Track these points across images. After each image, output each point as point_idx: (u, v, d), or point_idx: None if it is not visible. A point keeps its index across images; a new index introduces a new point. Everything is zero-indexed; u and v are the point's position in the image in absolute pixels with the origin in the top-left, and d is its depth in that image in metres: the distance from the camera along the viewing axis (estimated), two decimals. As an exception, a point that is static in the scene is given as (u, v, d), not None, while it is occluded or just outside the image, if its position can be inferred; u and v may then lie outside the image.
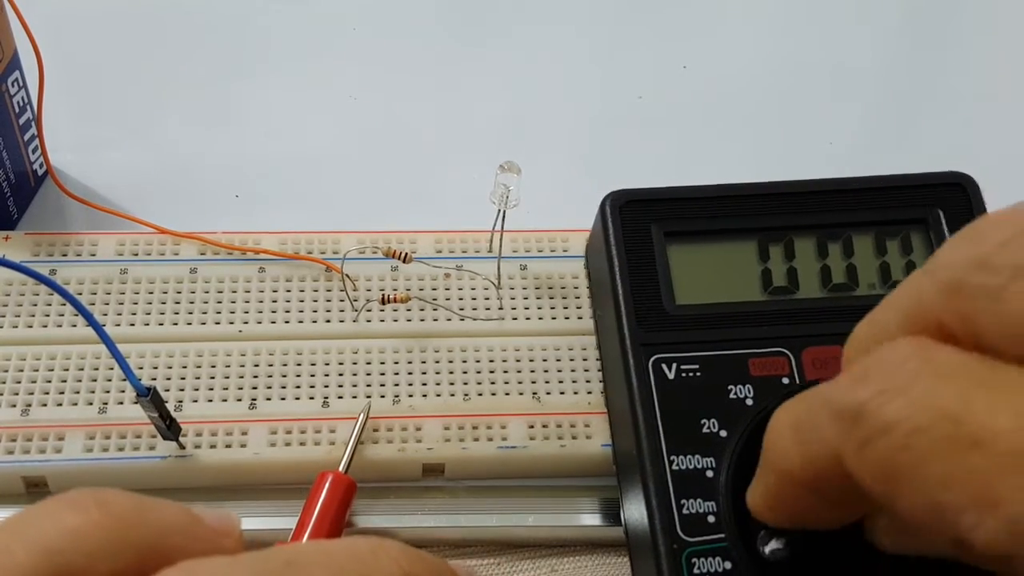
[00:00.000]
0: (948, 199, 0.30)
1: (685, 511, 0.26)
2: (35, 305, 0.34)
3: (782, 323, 0.28)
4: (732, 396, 0.27)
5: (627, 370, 0.28)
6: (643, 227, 0.30)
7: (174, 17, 0.47)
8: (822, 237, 0.30)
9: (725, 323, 0.28)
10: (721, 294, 0.29)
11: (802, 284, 0.29)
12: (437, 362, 0.33)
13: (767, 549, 0.25)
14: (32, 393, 0.32)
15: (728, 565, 0.25)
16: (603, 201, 0.30)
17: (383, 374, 0.33)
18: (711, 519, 0.26)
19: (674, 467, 0.26)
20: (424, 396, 0.32)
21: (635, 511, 0.27)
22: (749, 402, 0.27)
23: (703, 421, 0.27)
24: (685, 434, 0.27)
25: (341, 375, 0.33)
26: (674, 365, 0.28)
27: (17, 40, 0.36)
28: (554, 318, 0.34)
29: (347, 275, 0.35)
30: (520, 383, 0.33)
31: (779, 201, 0.30)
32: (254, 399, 0.32)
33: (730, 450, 0.26)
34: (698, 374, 0.28)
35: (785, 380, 0.28)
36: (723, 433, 0.27)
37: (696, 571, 0.25)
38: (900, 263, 0.30)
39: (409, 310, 0.34)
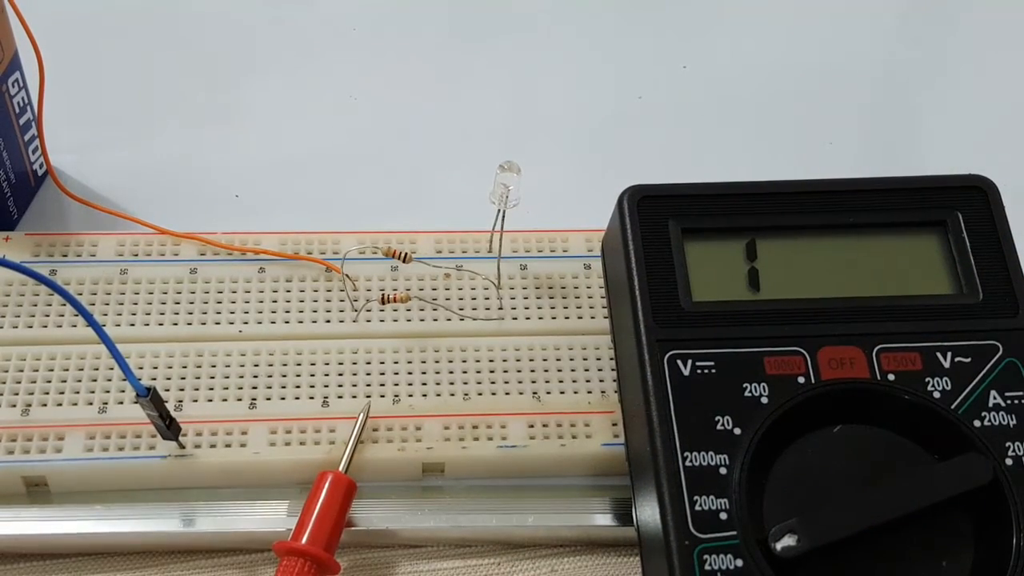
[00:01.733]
0: (968, 202, 0.30)
1: (698, 507, 0.26)
2: (35, 305, 0.34)
3: (798, 322, 0.28)
4: (747, 394, 0.27)
5: (642, 366, 0.28)
6: (660, 223, 0.30)
7: (174, 17, 0.47)
8: (840, 236, 0.30)
9: (741, 321, 0.28)
10: (737, 292, 0.29)
11: (820, 283, 0.29)
12: (437, 362, 0.33)
13: (779, 546, 0.25)
14: (32, 393, 0.32)
15: (740, 563, 0.25)
16: (621, 196, 0.30)
17: (383, 374, 0.33)
18: (723, 516, 0.26)
19: (687, 463, 0.26)
20: (424, 396, 0.32)
21: (647, 508, 0.27)
22: (764, 400, 0.27)
23: (717, 418, 0.27)
24: (699, 431, 0.27)
25: (341, 375, 0.33)
26: (689, 362, 0.28)
27: (17, 40, 0.36)
28: (554, 318, 0.34)
29: (347, 275, 0.35)
30: (520, 383, 0.33)
31: (798, 199, 0.30)
32: (254, 399, 0.32)
33: (744, 448, 0.26)
34: (713, 371, 0.27)
35: (801, 379, 0.27)
36: (737, 431, 0.27)
37: (708, 568, 0.25)
38: (918, 264, 0.30)
39: (409, 310, 0.34)
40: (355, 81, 0.45)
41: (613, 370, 0.33)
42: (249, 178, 0.41)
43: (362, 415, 0.31)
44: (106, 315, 0.34)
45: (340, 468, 0.30)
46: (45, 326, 0.33)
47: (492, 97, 0.45)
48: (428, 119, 0.44)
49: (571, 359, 0.33)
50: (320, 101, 0.44)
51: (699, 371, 0.28)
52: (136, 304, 0.34)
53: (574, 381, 0.33)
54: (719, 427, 0.27)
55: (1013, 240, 0.29)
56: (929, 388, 0.27)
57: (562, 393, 0.33)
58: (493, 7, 0.49)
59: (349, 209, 0.39)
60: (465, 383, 0.33)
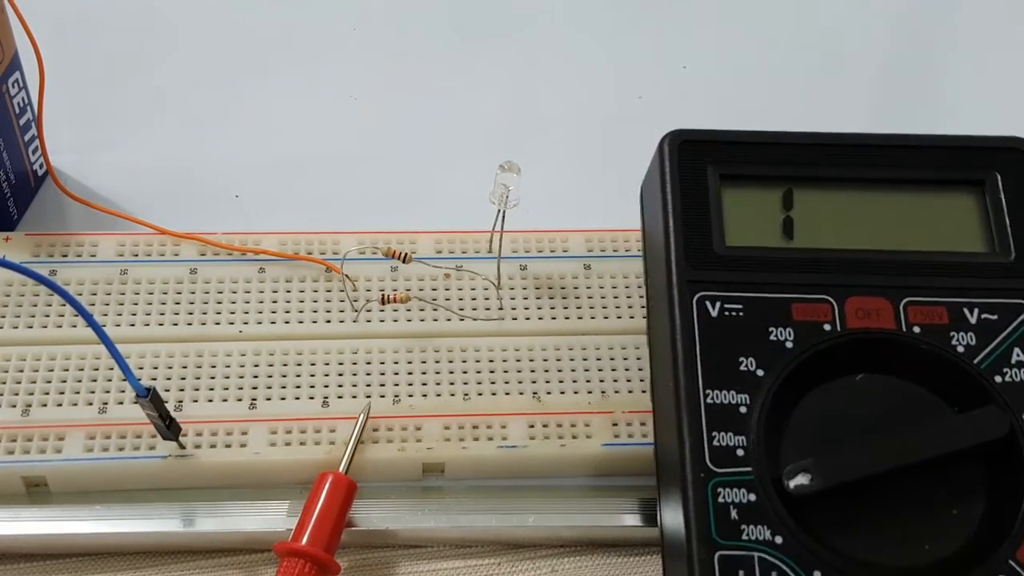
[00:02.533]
0: (1007, 163, 0.30)
1: (716, 443, 0.26)
2: (35, 306, 0.34)
3: (828, 271, 0.29)
4: (772, 338, 0.28)
5: (671, 304, 0.28)
6: (699, 168, 0.30)
7: (174, 17, 0.47)
8: (877, 190, 0.30)
9: (772, 267, 0.29)
10: (770, 238, 0.29)
11: (853, 235, 0.30)
12: (437, 362, 0.33)
13: (792, 484, 0.26)
14: (32, 393, 0.32)
15: (752, 497, 0.25)
16: (661, 141, 0.31)
17: (383, 374, 0.33)
18: (740, 452, 0.26)
19: (708, 400, 0.27)
20: (424, 396, 0.32)
21: (667, 441, 0.28)
22: (789, 345, 0.27)
23: (741, 359, 0.27)
24: (722, 370, 0.27)
25: (341, 375, 0.33)
26: (718, 303, 0.28)
27: (17, 40, 0.36)
28: (554, 318, 0.34)
29: (347, 275, 0.35)
30: (520, 383, 0.33)
31: (836, 152, 0.30)
32: (254, 399, 0.32)
33: (765, 389, 0.27)
34: (741, 314, 0.28)
35: (827, 327, 0.28)
36: (760, 372, 0.27)
37: (721, 500, 0.25)
38: (953, 221, 0.30)
39: (409, 310, 0.34)
40: (355, 81, 0.45)
41: (613, 370, 0.33)
42: (249, 178, 0.41)
43: (362, 415, 0.31)
44: (106, 315, 0.34)
45: (340, 468, 0.30)
46: (45, 326, 0.33)
47: (492, 97, 0.45)
48: (428, 119, 0.44)
49: (571, 359, 0.33)
50: (320, 101, 0.44)
51: (727, 313, 0.28)
52: (136, 304, 0.34)
53: (574, 381, 0.33)
54: (742, 368, 0.27)
55: None
56: (953, 342, 0.28)
57: (562, 393, 0.33)
58: (493, 7, 0.49)
59: (349, 209, 0.39)
60: (465, 383, 0.33)
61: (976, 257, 0.29)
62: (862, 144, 0.31)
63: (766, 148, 0.31)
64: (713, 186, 0.30)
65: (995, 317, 0.28)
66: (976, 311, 0.28)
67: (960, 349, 0.28)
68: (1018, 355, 0.28)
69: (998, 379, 0.27)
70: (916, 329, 0.28)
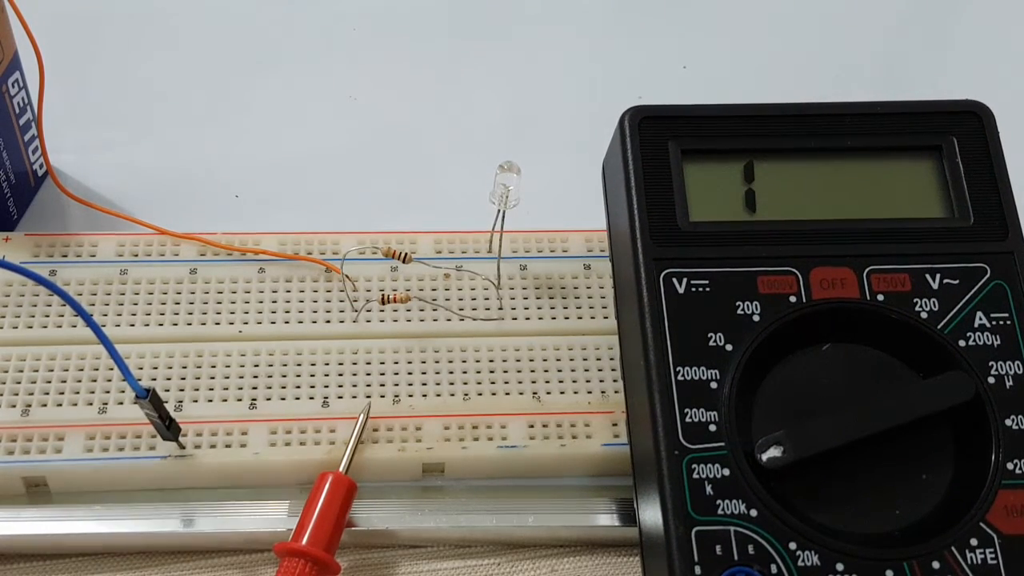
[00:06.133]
0: (963, 128, 0.30)
1: (688, 419, 0.26)
2: (35, 306, 0.34)
3: (792, 243, 0.29)
4: (739, 312, 0.28)
5: (639, 283, 0.28)
6: (660, 144, 0.30)
7: (174, 18, 0.47)
8: (837, 159, 0.30)
9: (736, 241, 0.29)
10: (734, 212, 0.30)
11: (815, 205, 0.30)
12: (437, 362, 0.33)
13: (765, 457, 0.26)
14: (32, 393, 0.32)
15: (726, 472, 0.26)
16: (622, 117, 0.31)
17: (383, 374, 0.33)
18: (712, 428, 0.26)
19: (679, 377, 0.27)
20: (424, 396, 0.32)
21: (641, 424, 0.28)
22: (756, 318, 0.28)
23: (710, 335, 0.27)
24: (691, 346, 0.27)
25: (341, 375, 0.33)
26: (684, 280, 0.28)
27: (17, 40, 0.36)
28: (554, 318, 0.34)
29: (347, 275, 0.35)
30: (520, 383, 0.33)
31: (797, 123, 0.31)
32: (254, 399, 0.32)
33: (735, 363, 0.27)
34: (707, 290, 0.28)
35: (792, 299, 0.28)
36: (729, 347, 0.27)
37: (696, 476, 0.26)
38: (912, 188, 0.30)
39: (409, 310, 0.34)
40: (355, 81, 0.45)
41: (613, 370, 0.33)
42: (249, 178, 0.41)
43: (362, 415, 0.31)
44: (106, 315, 0.34)
45: (340, 468, 0.30)
46: (45, 326, 0.33)
47: (492, 97, 0.45)
48: (428, 119, 0.44)
49: (571, 359, 0.33)
50: (320, 101, 0.44)
51: (694, 289, 0.28)
52: (136, 304, 0.34)
53: (574, 381, 0.33)
54: (711, 343, 0.27)
55: (1006, 165, 0.30)
56: (917, 308, 0.28)
57: (562, 393, 0.33)
58: (493, 7, 0.49)
59: (349, 209, 0.39)
60: (465, 383, 0.33)
61: (936, 223, 0.29)
62: (820, 113, 0.31)
63: (726, 121, 0.31)
64: (675, 161, 0.30)
65: (956, 282, 0.28)
66: (938, 276, 0.28)
67: (924, 315, 0.28)
68: (980, 319, 0.28)
69: (962, 343, 0.28)
70: (880, 297, 0.28)
